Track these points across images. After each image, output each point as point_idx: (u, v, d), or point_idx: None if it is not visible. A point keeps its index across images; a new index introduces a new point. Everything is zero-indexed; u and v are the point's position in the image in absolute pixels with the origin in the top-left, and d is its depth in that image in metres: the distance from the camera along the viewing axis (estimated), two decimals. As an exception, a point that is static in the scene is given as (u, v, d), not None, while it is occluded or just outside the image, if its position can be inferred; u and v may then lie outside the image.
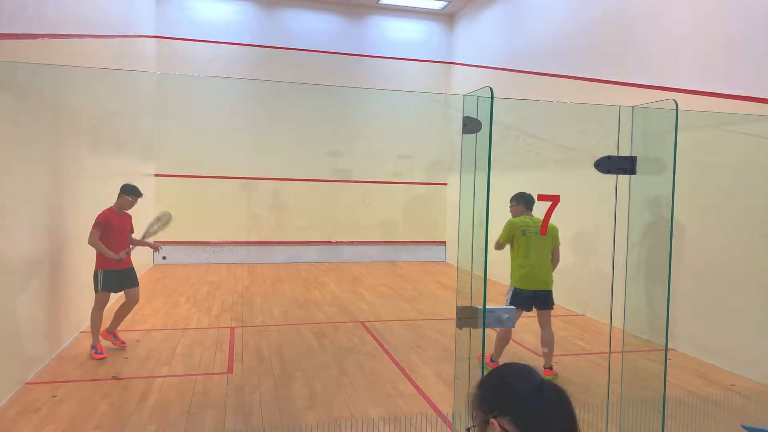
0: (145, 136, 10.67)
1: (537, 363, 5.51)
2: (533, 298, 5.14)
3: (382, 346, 6.03)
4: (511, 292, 5.23)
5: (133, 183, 5.95)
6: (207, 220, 11.69)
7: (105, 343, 5.65)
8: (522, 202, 5.28)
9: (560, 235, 5.30)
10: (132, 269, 5.83)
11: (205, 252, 11.78)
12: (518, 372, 1.34)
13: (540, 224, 5.12)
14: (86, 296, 6.63)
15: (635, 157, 3.16)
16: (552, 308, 5.27)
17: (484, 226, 2.56)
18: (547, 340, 5.19)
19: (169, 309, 7.48)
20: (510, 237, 5.21)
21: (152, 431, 3.86)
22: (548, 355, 5.18)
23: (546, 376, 5.01)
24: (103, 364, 5.17)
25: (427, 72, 13.16)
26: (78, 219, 6.29)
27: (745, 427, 1.92)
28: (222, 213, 11.77)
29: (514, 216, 5.28)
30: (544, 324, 5.23)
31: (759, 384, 5.08)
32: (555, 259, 5.29)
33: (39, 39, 5.19)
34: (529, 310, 5.21)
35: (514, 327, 2.58)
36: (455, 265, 8.00)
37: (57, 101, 5.69)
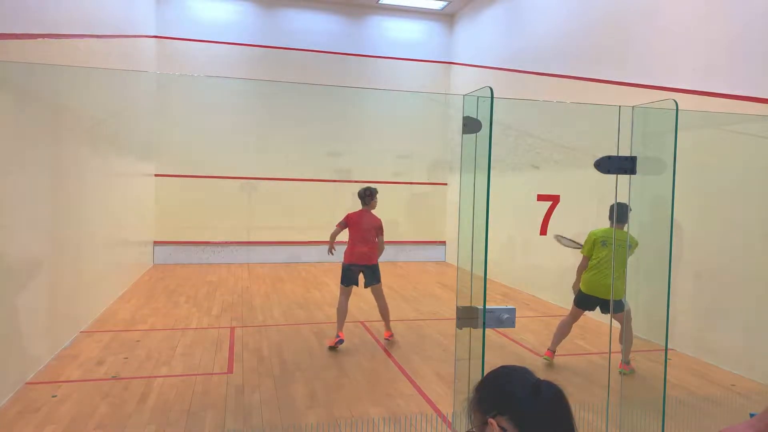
0: (145, 136, 10.68)
1: (537, 363, 5.51)
2: (595, 303, 5.34)
3: (382, 346, 6.03)
4: (576, 293, 5.48)
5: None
6: (207, 220, 11.69)
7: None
8: (610, 214, 5.32)
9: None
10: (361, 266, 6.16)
11: (205, 252, 11.77)
12: (515, 372, 1.35)
13: (623, 238, 5.07)
14: (86, 296, 6.64)
15: (635, 157, 3.16)
16: (619, 312, 5.12)
17: (484, 226, 2.56)
18: (625, 338, 5.14)
19: (169, 309, 7.48)
20: (590, 249, 5.37)
21: (152, 431, 3.86)
22: (625, 352, 5.19)
23: (622, 369, 5.04)
24: (103, 364, 5.17)
25: (427, 72, 13.16)
26: (78, 219, 6.30)
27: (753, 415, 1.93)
28: (222, 213, 11.77)
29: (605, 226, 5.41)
30: (622, 325, 5.13)
31: (759, 384, 5.08)
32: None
33: (39, 39, 5.19)
34: (591, 310, 5.41)
35: (514, 327, 2.58)
36: (455, 265, 8.00)
37: (57, 101, 5.69)
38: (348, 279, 6.08)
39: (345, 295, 6.07)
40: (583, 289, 5.36)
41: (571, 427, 1.27)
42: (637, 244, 4.95)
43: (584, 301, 5.36)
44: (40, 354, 5.08)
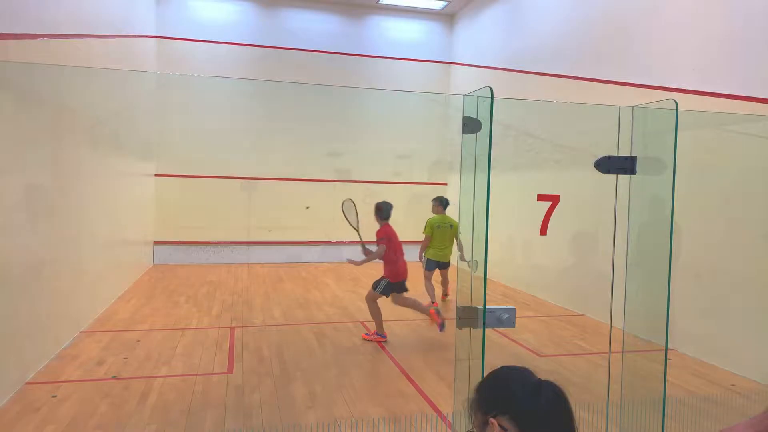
0: (145, 136, 10.68)
1: (537, 363, 5.51)
2: (437, 265, 8.05)
3: (382, 346, 6.03)
4: (425, 261, 7.95)
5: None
6: (207, 220, 11.69)
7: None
8: (438, 204, 7.96)
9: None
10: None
11: (205, 252, 11.77)
12: (516, 372, 1.36)
13: (449, 221, 7.79)
14: (86, 296, 6.64)
15: (635, 157, 3.16)
16: (446, 268, 8.17)
17: (484, 226, 2.56)
18: (442, 281, 8.28)
19: (169, 309, 7.48)
20: (430, 231, 7.77)
21: (152, 431, 3.86)
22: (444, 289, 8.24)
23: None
24: (103, 364, 5.17)
25: (427, 72, 13.16)
26: (78, 219, 6.30)
27: None
28: (222, 213, 11.77)
29: None
30: (446, 277, 8.31)
31: (759, 384, 5.08)
32: None
33: (39, 39, 5.19)
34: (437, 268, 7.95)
35: (514, 327, 2.59)
36: (455, 265, 8.03)
37: (57, 101, 5.69)
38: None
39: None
40: (431, 257, 7.78)
41: (571, 427, 1.28)
42: (458, 225, 7.60)
43: (432, 265, 7.82)
44: (40, 354, 5.08)
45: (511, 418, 1.25)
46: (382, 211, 6.39)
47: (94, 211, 6.94)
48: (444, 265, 7.95)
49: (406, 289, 6.32)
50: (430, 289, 7.80)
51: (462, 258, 7.17)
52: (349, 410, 4.28)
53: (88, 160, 6.70)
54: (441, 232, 7.68)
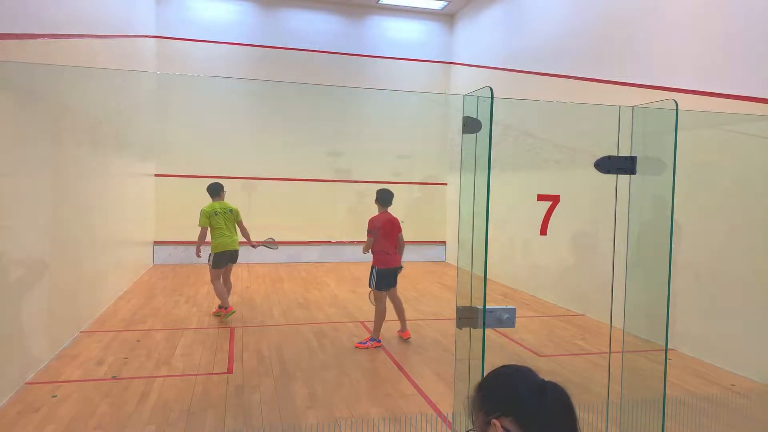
0: (145, 136, 10.67)
1: (537, 363, 5.51)
2: (228, 257, 7.20)
3: (382, 346, 6.03)
4: (211, 257, 7.04)
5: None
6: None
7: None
8: (211, 193, 7.15)
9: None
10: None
11: (205, 252, 11.74)
12: (519, 372, 1.34)
13: (226, 207, 7.06)
14: (86, 296, 6.64)
15: (635, 157, 3.15)
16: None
17: (484, 226, 2.56)
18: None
19: (169, 309, 7.48)
20: (206, 221, 6.94)
21: (152, 431, 3.86)
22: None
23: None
24: (103, 364, 5.17)
25: (427, 72, 13.15)
26: (78, 219, 6.30)
27: None
28: (222, 213, 11.74)
29: None
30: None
31: (759, 384, 5.08)
32: None
33: (39, 39, 5.19)
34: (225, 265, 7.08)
35: (514, 327, 2.59)
36: (455, 265, 8.01)
37: (57, 101, 5.68)
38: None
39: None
40: (217, 250, 6.89)
41: (575, 428, 1.26)
42: (238, 210, 7.17)
43: (220, 259, 6.92)
44: (40, 354, 5.08)
45: (514, 420, 1.24)
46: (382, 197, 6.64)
47: (94, 211, 6.94)
48: (234, 257, 7.05)
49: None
50: (222, 291, 6.97)
51: (253, 245, 7.39)
52: (349, 410, 4.28)
53: (88, 160, 6.70)
54: (220, 219, 6.88)
